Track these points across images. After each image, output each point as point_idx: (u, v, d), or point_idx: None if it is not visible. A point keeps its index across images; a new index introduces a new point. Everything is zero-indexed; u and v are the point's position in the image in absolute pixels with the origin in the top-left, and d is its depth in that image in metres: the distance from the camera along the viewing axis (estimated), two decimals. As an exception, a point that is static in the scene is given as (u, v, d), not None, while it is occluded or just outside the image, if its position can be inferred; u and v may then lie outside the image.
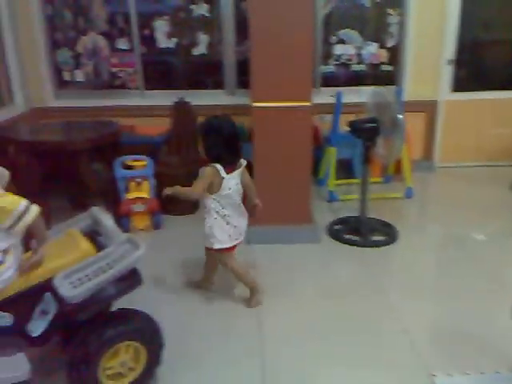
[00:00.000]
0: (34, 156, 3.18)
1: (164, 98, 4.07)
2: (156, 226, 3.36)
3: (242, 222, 2.34)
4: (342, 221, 3.36)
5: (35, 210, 1.55)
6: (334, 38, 4.26)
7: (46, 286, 1.64)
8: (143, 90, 4.26)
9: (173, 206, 3.58)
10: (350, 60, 4.33)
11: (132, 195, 3.30)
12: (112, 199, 3.32)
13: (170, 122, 3.77)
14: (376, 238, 3.13)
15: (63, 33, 4.11)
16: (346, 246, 3.06)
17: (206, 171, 2.22)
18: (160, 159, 3.58)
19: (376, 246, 3.05)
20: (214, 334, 2.20)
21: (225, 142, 2.20)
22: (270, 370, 1.95)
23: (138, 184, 3.36)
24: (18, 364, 1.61)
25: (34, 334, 1.64)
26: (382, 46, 4.29)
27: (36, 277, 1.65)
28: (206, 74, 4.38)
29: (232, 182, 2.23)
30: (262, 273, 2.72)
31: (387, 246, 3.05)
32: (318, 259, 2.94)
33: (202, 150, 2.28)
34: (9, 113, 3.64)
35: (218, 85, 4.33)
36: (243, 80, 4.31)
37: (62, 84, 4.21)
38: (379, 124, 2.95)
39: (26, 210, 1.53)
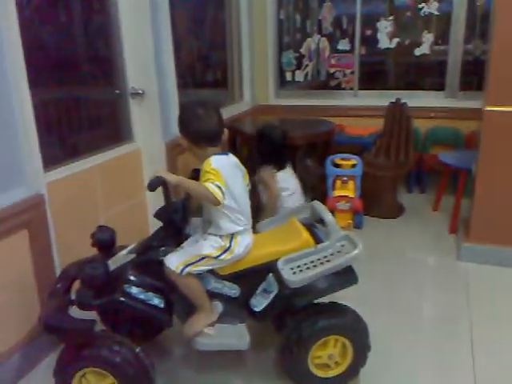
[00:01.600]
0: (255, 147, 3.51)
1: (378, 99, 4.02)
2: (357, 225, 3.37)
3: None
4: None
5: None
6: None
7: (271, 268, 1.78)
8: (357, 91, 4.29)
9: (375, 207, 3.56)
10: None
11: (338, 193, 3.37)
12: (319, 195, 3.45)
13: (382, 123, 3.70)
14: None
15: (290, 35, 4.42)
16: None
17: None
18: (367, 160, 3.57)
19: None
20: (423, 352, 2.09)
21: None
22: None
23: (344, 182, 3.41)
24: (241, 334, 1.80)
25: (256, 309, 1.80)
26: None
27: (262, 257, 1.82)
28: (426, 74, 4.17)
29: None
30: (474, 297, 2.48)
31: None
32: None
33: None
34: (239, 109, 4.10)
35: (438, 86, 4.07)
36: (467, 81, 3.97)
37: (282, 84, 4.54)
38: None
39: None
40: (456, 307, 2.40)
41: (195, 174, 1.88)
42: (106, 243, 1.82)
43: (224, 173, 1.67)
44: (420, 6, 3.96)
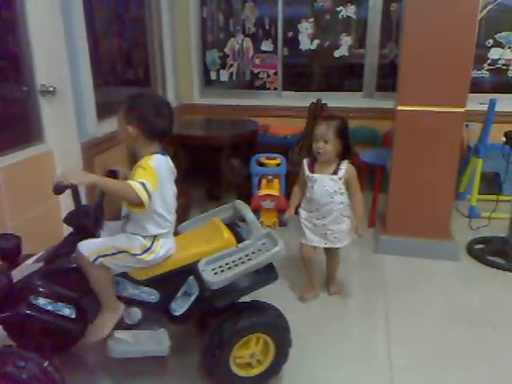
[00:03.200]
0: (181, 148, 3.45)
1: (301, 100, 4.11)
2: (282, 223, 3.42)
3: None
4: (484, 240, 3.06)
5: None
6: (489, 42, 3.90)
7: (192, 270, 1.74)
8: (281, 91, 4.36)
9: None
10: (507, 65, 3.92)
11: (263, 192, 3.39)
12: (245, 194, 3.46)
13: (304, 124, 3.79)
14: (525, 264, 2.79)
15: (214, 35, 4.39)
16: (488, 268, 2.79)
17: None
18: (291, 159, 3.63)
19: (525, 273, 2.72)
20: (342, 343, 2.15)
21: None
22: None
23: (270, 181, 3.45)
24: (161, 339, 1.74)
25: (177, 313, 1.76)
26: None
27: (183, 260, 1.78)
28: (346, 76, 4.33)
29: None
30: (389, 285, 2.60)
31: (539, 275, 2.71)
32: (455, 278, 2.72)
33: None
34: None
35: (357, 87, 4.24)
36: (382, 83, 4.18)
37: (207, 83, 4.50)
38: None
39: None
40: (373, 297, 2.51)
41: (111, 175, 1.80)
42: (9, 252, 1.68)
43: (160, 175, 1.62)
44: (338, 9, 4.10)
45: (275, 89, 4.38)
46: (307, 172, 2.32)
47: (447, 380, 1.91)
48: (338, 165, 2.27)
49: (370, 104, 4.12)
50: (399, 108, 2.71)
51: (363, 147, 3.96)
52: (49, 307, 1.58)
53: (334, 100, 3.95)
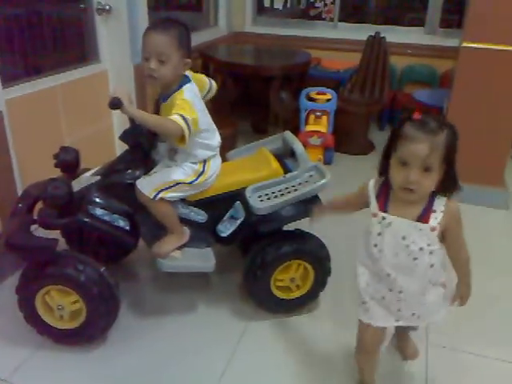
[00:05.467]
0: (229, 76, 3.41)
1: (357, 32, 3.91)
2: (327, 161, 3.39)
3: None
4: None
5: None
6: None
7: (239, 195, 1.80)
8: (337, 22, 4.14)
9: (345, 143, 3.57)
10: None
11: (310, 128, 3.34)
12: (291, 129, 3.42)
13: (360, 58, 3.62)
14: None
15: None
16: (538, 220, 2.71)
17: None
18: (342, 95, 3.53)
19: None
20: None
21: None
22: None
23: (318, 117, 3.38)
24: (207, 257, 1.83)
25: (223, 235, 1.84)
26: None
27: (231, 185, 1.82)
28: (407, 9, 4.05)
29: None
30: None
31: None
32: (503, 226, 2.66)
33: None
34: (213, 35, 3.91)
35: (418, 22, 3.97)
36: (447, 19, 3.89)
37: (260, 10, 4.33)
38: None
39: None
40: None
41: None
42: (69, 164, 1.77)
43: (196, 105, 1.62)
44: None
45: (331, 20, 4.16)
46: (375, 208, 1.32)
47: (477, 319, 1.93)
48: (431, 203, 1.27)
49: (431, 41, 3.86)
50: (464, 45, 2.53)
51: (418, 87, 3.79)
52: (105, 217, 1.68)
53: (393, 34, 3.73)
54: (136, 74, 2.74)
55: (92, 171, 1.79)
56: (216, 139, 1.78)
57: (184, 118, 1.54)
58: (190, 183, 1.71)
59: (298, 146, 1.94)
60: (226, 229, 1.84)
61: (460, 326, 1.87)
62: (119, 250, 2.05)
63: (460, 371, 1.70)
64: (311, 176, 1.86)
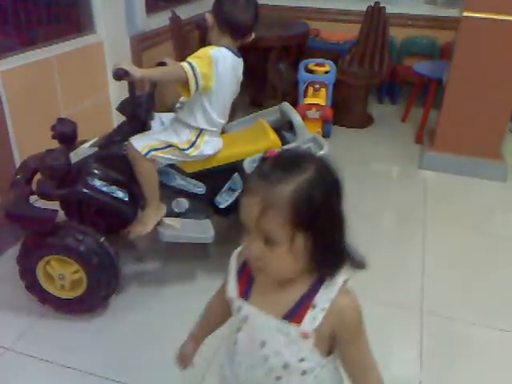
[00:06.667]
0: (227, 48, 3.36)
1: (356, 2, 3.83)
2: (325, 134, 3.38)
3: None
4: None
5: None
6: None
7: (237, 167, 1.80)
8: (336, -8, 4.06)
9: (344, 116, 3.55)
10: None
11: (309, 100, 3.31)
12: (290, 102, 3.39)
13: (359, 30, 3.57)
14: None
15: None
16: (535, 193, 2.73)
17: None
18: (341, 67, 3.49)
19: None
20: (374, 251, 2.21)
21: None
22: (428, 292, 1.93)
23: (316, 90, 3.35)
24: (206, 228, 1.85)
25: (221, 206, 1.86)
26: None
27: (229, 157, 1.82)
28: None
29: None
30: (430, 198, 2.60)
31: None
32: (499, 198, 2.68)
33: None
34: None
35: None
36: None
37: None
38: None
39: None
40: (412, 210, 2.52)
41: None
42: (67, 136, 1.76)
43: (217, 65, 1.60)
44: None
45: (330, -11, 4.08)
46: (232, 291, 0.88)
47: (472, 288, 1.97)
48: (313, 291, 0.79)
49: (432, 11, 3.80)
50: (465, 14, 2.50)
51: (418, 59, 3.74)
52: (104, 188, 1.68)
53: (394, 5, 3.67)
54: (132, 45, 2.71)
55: (89, 143, 1.79)
56: (221, 118, 1.76)
57: (192, 67, 1.54)
58: (182, 150, 1.71)
59: (295, 117, 1.93)
60: (224, 200, 1.85)
61: (455, 295, 1.91)
62: (118, 221, 2.05)
63: (454, 340, 1.74)
64: (309, 147, 1.85)
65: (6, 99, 1.95)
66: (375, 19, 3.44)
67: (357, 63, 3.55)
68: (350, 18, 3.83)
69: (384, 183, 2.79)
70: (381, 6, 3.45)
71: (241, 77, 1.78)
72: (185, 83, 1.56)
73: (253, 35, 1.73)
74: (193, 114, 1.70)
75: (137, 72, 1.52)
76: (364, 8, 3.49)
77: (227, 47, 1.66)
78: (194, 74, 1.54)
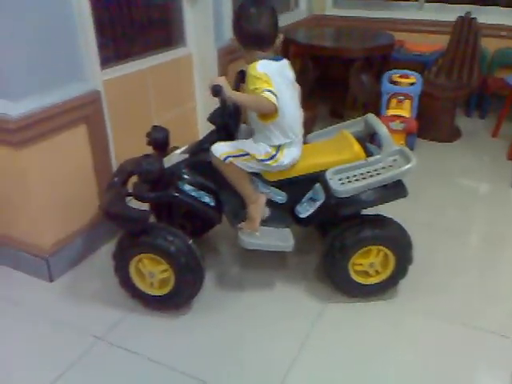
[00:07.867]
0: (309, 60, 3.39)
1: (445, 13, 3.70)
2: (409, 147, 3.27)
3: None
4: None
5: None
6: None
7: (319, 178, 1.80)
8: (423, 3, 3.95)
9: (429, 129, 3.42)
10: None
11: (392, 112, 3.24)
12: (373, 113, 3.35)
13: (447, 41, 3.44)
14: None
15: None
16: None
17: None
18: (427, 79, 3.38)
19: None
20: (460, 268, 2.12)
21: None
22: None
23: (400, 101, 3.26)
24: (286, 237, 1.87)
25: (301, 216, 1.86)
26: None
27: (312, 167, 1.83)
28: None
29: None
30: None
31: None
32: None
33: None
34: (293, 17, 3.90)
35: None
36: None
37: (341, -8, 4.24)
38: None
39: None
40: (504, 230, 2.37)
41: (240, 76, 1.86)
42: (160, 142, 1.88)
43: (273, 78, 1.62)
44: None
45: (416, 0, 3.98)
46: None
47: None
48: None
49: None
50: None
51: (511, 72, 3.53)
52: (193, 193, 1.77)
53: (486, 15, 3.50)
54: (219, 57, 2.82)
55: (180, 150, 1.89)
56: (294, 124, 1.77)
57: (274, 94, 1.57)
58: (260, 161, 1.75)
59: (381, 128, 1.90)
60: (304, 210, 1.86)
61: None
62: (204, 225, 2.15)
63: None
64: (395, 160, 1.81)
65: (106, 106, 2.12)
66: (465, 30, 3.31)
67: (444, 75, 3.43)
68: (437, 29, 3.71)
69: (473, 201, 2.65)
70: (472, 16, 3.32)
71: (293, 76, 1.79)
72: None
73: (281, 37, 1.71)
74: (266, 136, 1.74)
75: (229, 93, 1.58)
76: (452, 18, 3.37)
77: (262, 58, 1.66)
78: (275, 95, 1.57)
